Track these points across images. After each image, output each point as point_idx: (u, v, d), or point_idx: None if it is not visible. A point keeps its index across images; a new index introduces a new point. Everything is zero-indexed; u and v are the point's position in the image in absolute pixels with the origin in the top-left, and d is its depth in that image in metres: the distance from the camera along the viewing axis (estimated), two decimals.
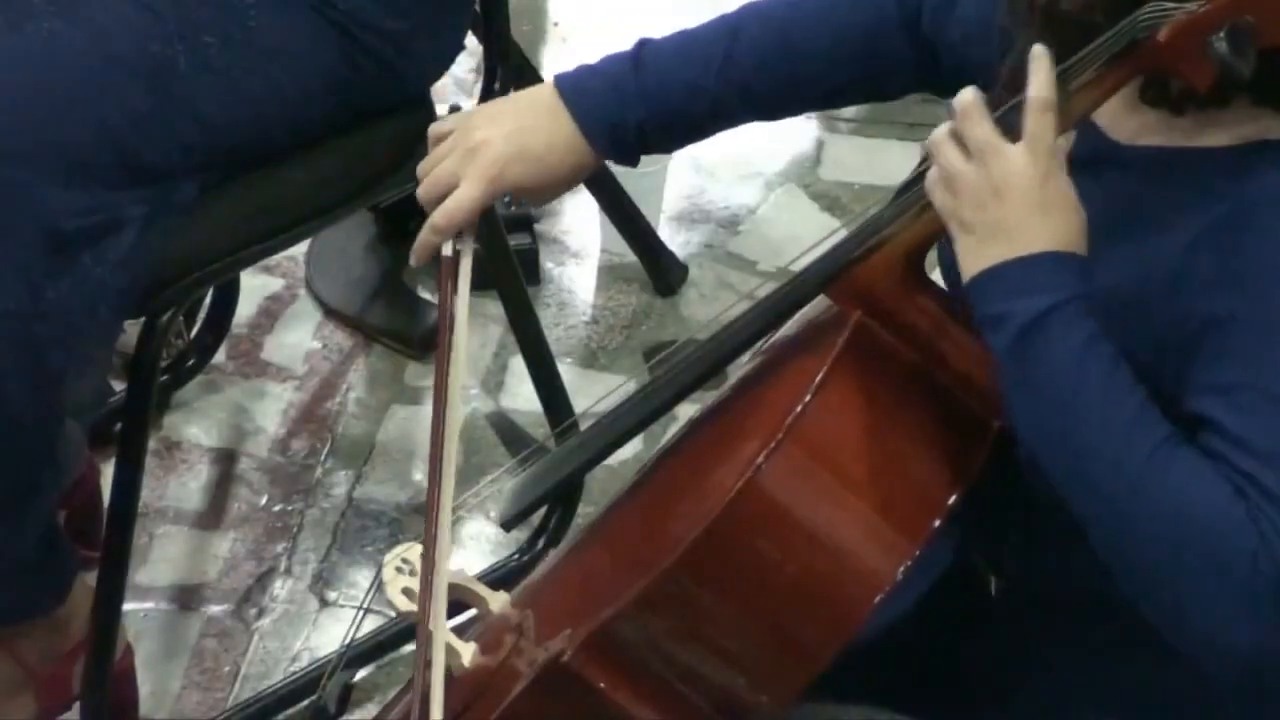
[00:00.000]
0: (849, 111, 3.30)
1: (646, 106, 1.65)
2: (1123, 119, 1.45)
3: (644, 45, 1.68)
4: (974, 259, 1.39)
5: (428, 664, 1.45)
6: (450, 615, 1.59)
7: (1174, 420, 1.37)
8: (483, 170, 1.63)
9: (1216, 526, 1.33)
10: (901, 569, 1.41)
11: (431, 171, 1.66)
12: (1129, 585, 1.37)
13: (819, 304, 1.55)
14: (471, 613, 1.65)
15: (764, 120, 1.72)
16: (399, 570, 1.59)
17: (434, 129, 1.70)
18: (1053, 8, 1.40)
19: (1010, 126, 1.38)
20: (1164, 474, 1.34)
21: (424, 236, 1.65)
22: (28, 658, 2.10)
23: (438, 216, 1.63)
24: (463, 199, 1.63)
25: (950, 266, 1.52)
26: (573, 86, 1.66)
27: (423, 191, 1.66)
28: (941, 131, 1.41)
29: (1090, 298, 1.37)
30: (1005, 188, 1.37)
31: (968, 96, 1.39)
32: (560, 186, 1.68)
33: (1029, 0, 1.42)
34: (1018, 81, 1.42)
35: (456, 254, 1.64)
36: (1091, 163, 1.46)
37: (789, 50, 1.65)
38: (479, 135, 1.64)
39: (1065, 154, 1.39)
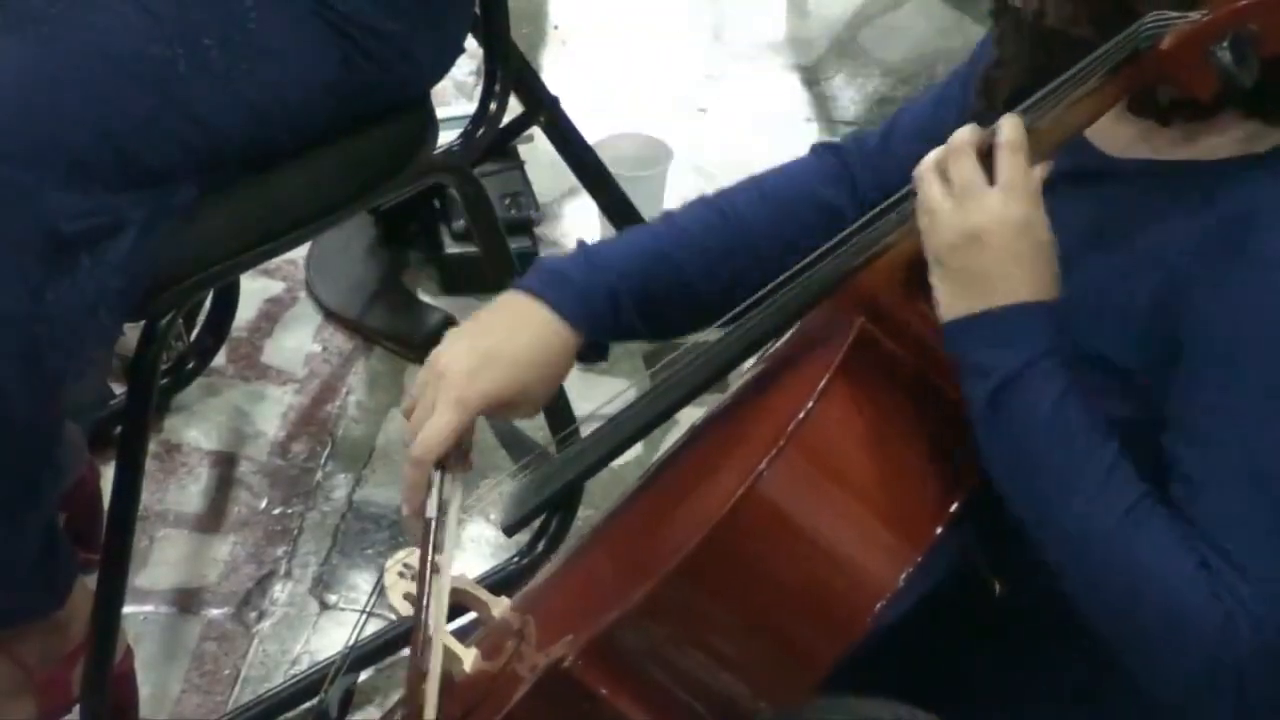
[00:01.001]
0: (849, 114, 3.31)
1: (615, 272, 1.59)
2: (1111, 132, 1.46)
3: (583, 244, 1.65)
4: (952, 302, 1.40)
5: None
6: (451, 619, 1.59)
7: (1155, 438, 1.38)
8: (449, 394, 1.55)
9: (1178, 607, 1.35)
10: (904, 576, 1.42)
11: (412, 411, 1.59)
12: (1099, 628, 1.40)
13: (822, 310, 1.55)
14: (472, 616, 1.65)
15: (730, 301, 1.58)
16: (401, 575, 1.59)
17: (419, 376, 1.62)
18: (1039, 23, 1.41)
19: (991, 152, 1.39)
20: (1130, 544, 1.36)
21: (405, 474, 1.57)
22: (27, 660, 2.10)
23: (415, 449, 1.55)
24: (436, 427, 1.54)
25: None
26: (535, 278, 1.60)
27: (408, 434, 1.58)
28: (929, 161, 1.41)
29: (1064, 350, 1.38)
30: (984, 234, 1.37)
31: (962, 134, 1.39)
32: (538, 388, 1.59)
33: (1015, 17, 1.42)
34: (990, 90, 1.43)
35: (440, 493, 1.55)
36: (1080, 175, 1.46)
37: (727, 216, 1.63)
38: (444, 358, 1.57)
39: (1042, 181, 1.39)
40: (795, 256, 1.53)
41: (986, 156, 1.39)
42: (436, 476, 1.56)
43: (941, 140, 1.42)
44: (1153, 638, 1.36)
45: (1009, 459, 1.40)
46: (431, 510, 1.54)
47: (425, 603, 1.49)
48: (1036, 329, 1.38)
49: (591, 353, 1.61)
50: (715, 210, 1.65)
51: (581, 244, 1.64)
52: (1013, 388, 1.38)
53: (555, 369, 1.59)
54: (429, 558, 1.52)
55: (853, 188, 1.64)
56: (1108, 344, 1.42)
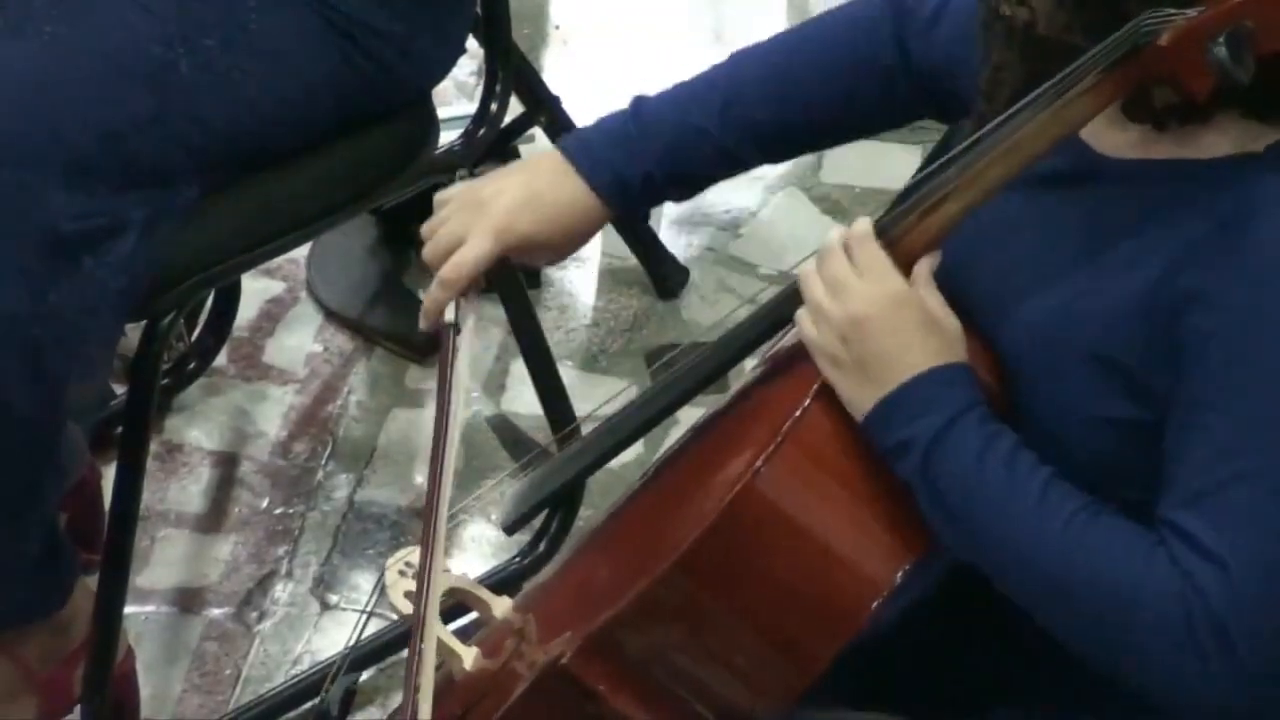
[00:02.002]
0: None
1: (653, 157, 1.64)
2: (1107, 133, 1.46)
3: (641, 101, 1.67)
4: (860, 395, 1.43)
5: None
6: (452, 619, 1.60)
7: (1159, 439, 1.38)
8: (492, 221, 1.61)
9: (1141, 585, 1.35)
10: (900, 574, 1.42)
11: (437, 231, 1.64)
12: (1090, 661, 1.40)
13: None
14: (472, 615, 1.65)
15: (773, 162, 1.72)
16: (402, 574, 1.59)
17: (440, 195, 1.68)
18: (1030, 32, 1.41)
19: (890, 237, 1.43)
20: (1079, 545, 1.37)
21: (432, 293, 1.63)
22: (29, 660, 2.09)
23: (446, 270, 1.61)
24: (472, 251, 1.61)
25: (949, 269, 1.52)
26: (576, 146, 1.65)
27: (429, 251, 1.64)
28: (809, 268, 1.45)
29: (980, 404, 1.41)
30: (864, 318, 1.41)
31: (830, 237, 1.44)
32: (569, 243, 1.66)
33: (1007, 25, 1.43)
34: (992, 92, 1.44)
35: (457, 319, 1.61)
36: (1075, 176, 1.47)
37: (788, 89, 1.65)
38: (487, 191, 1.63)
39: (930, 269, 1.44)
40: (839, 120, 1.64)
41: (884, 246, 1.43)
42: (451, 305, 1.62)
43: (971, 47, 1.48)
44: (1131, 627, 1.35)
45: (952, 520, 1.41)
46: (450, 316, 1.61)
47: (443, 450, 1.52)
48: (946, 391, 1.41)
49: (630, 211, 1.69)
50: (773, 75, 1.66)
51: (636, 103, 1.67)
52: (936, 451, 1.40)
53: (584, 233, 1.66)
54: (449, 363, 1.58)
55: (905, 56, 1.64)
56: (1108, 344, 1.42)
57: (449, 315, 1.61)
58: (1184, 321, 1.37)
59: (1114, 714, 1.53)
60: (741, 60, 1.68)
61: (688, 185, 1.69)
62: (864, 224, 1.43)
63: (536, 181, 1.64)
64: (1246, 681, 1.34)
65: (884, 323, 1.41)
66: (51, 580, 2.05)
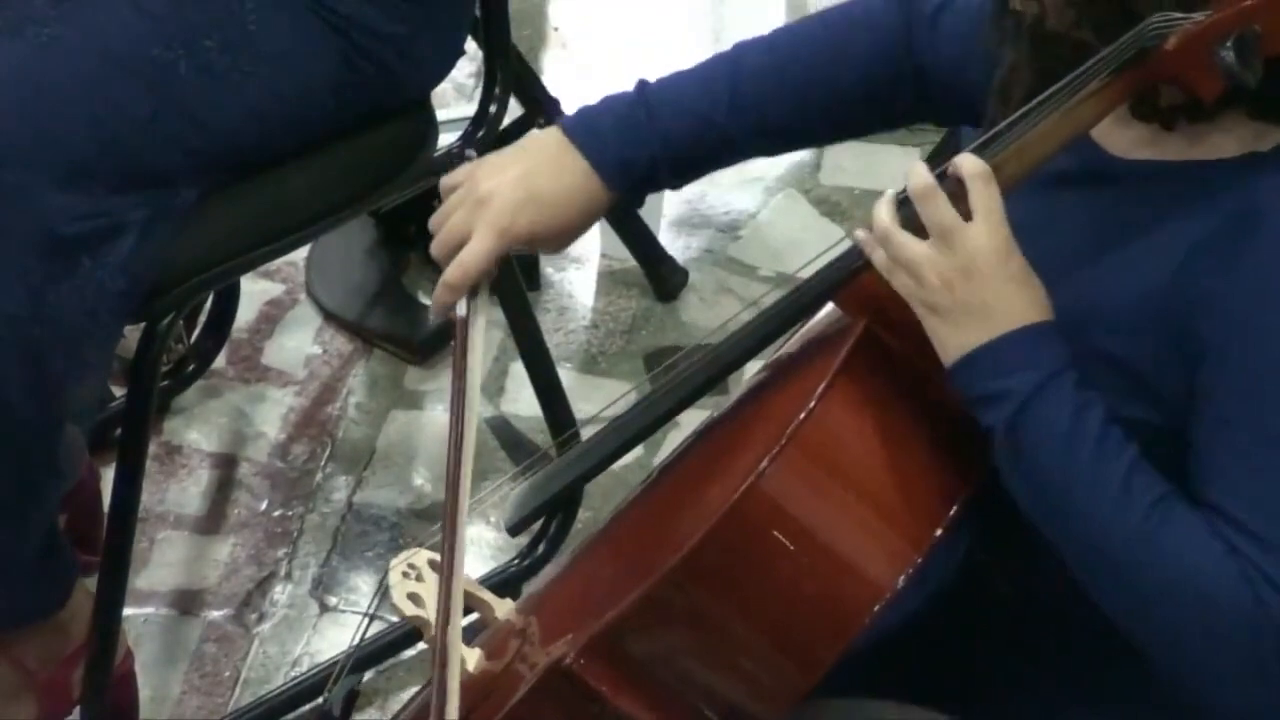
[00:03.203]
0: None
1: (659, 141, 1.63)
2: (1116, 134, 1.46)
3: (646, 85, 1.66)
4: (955, 342, 1.41)
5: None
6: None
7: (1175, 439, 1.38)
8: (492, 220, 1.60)
9: (1211, 593, 1.35)
10: (903, 577, 1.42)
11: (443, 226, 1.63)
12: (1138, 645, 1.40)
13: (826, 312, 1.56)
14: (474, 617, 1.65)
15: (771, 154, 1.72)
16: (405, 575, 1.59)
17: (445, 181, 1.66)
18: (1039, 27, 1.41)
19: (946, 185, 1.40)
20: (1157, 541, 1.36)
21: (438, 293, 1.62)
22: (28, 662, 2.10)
23: (451, 272, 1.60)
24: (475, 252, 1.60)
25: None
26: (581, 127, 1.64)
27: (436, 247, 1.63)
28: (885, 219, 1.42)
29: (1073, 365, 1.39)
30: (973, 267, 1.39)
31: (921, 178, 1.40)
32: (572, 231, 1.65)
33: (1016, 20, 1.42)
34: (1006, 93, 1.44)
35: (469, 314, 1.61)
36: (1085, 177, 1.47)
37: (797, 82, 1.64)
38: (486, 185, 1.61)
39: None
40: (844, 116, 1.64)
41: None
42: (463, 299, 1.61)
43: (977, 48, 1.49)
44: (1190, 636, 1.36)
45: (1032, 481, 1.40)
46: (462, 310, 1.60)
47: (461, 427, 1.53)
48: (1044, 349, 1.39)
49: (631, 195, 1.68)
50: (781, 67, 1.65)
51: (641, 86, 1.66)
52: (1030, 410, 1.38)
53: (588, 221, 1.65)
54: (463, 357, 1.57)
55: (908, 50, 1.63)
56: (1117, 345, 1.42)
57: (461, 310, 1.61)
58: (1198, 324, 1.37)
59: (1118, 712, 1.54)
60: (748, 50, 1.67)
61: (689, 172, 1.68)
62: (978, 162, 1.38)
63: (537, 172, 1.62)
64: None
65: (997, 273, 1.39)
66: (50, 581, 2.05)
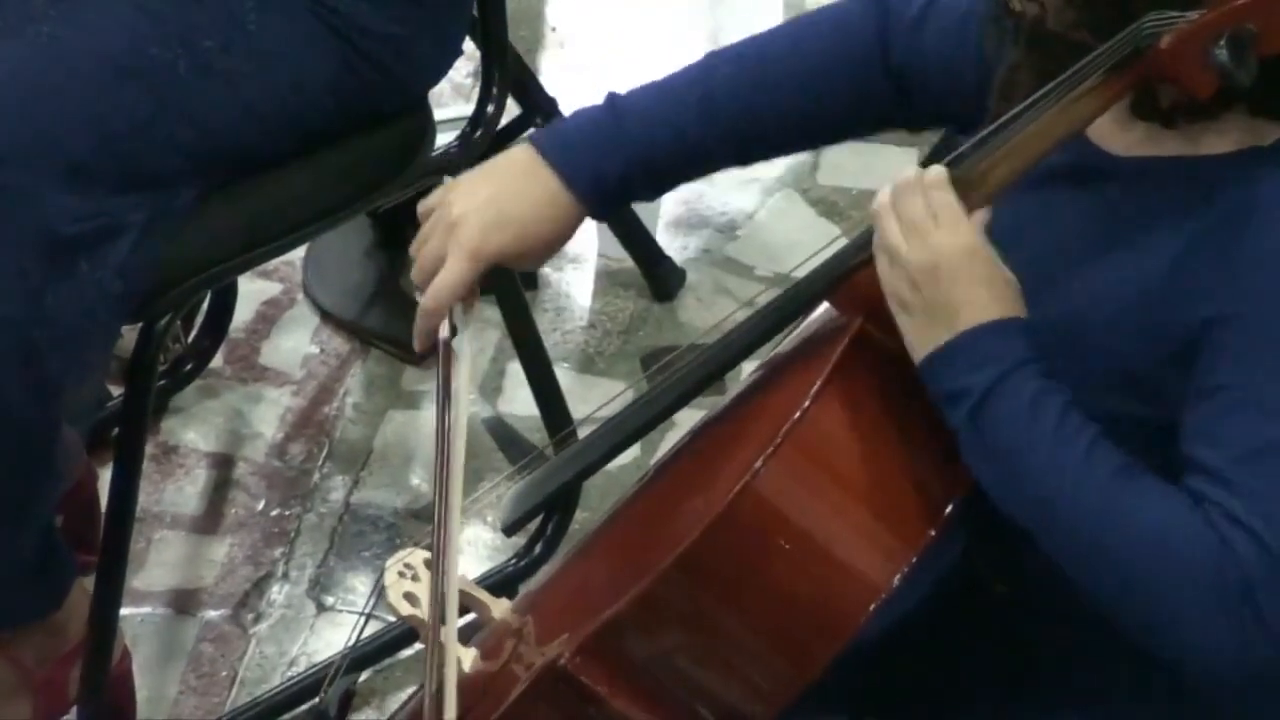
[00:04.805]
0: None
1: (630, 154, 1.63)
2: (1114, 133, 1.46)
3: (617, 98, 1.66)
4: (922, 340, 1.43)
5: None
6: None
7: (1173, 435, 1.39)
8: (464, 244, 1.60)
9: (1175, 541, 1.35)
10: (898, 577, 1.42)
11: (420, 252, 1.64)
12: (1114, 614, 1.40)
13: (821, 311, 1.56)
14: (471, 617, 1.65)
15: (745, 163, 1.70)
16: (401, 575, 1.60)
17: (421, 206, 1.67)
18: (1038, 27, 1.41)
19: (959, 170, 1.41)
20: (1119, 499, 1.37)
21: (419, 322, 1.63)
22: (25, 661, 2.09)
23: (427, 299, 1.61)
24: (448, 279, 1.60)
25: None
26: (551, 142, 1.64)
27: (416, 274, 1.64)
28: (884, 200, 1.43)
29: (1037, 360, 1.40)
30: (938, 264, 1.41)
31: (907, 173, 1.42)
32: (545, 250, 1.65)
33: (1014, 20, 1.43)
34: (1008, 91, 1.44)
35: (452, 334, 1.61)
36: (1082, 174, 1.47)
37: (765, 88, 1.64)
38: (456, 210, 1.61)
39: (985, 225, 1.43)
40: (817, 122, 1.64)
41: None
42: (445, 322, 1.62)
43: (966, 49, 1.51)
44: (1161, 581, 1.36)
45: (995, 469, 1.41)
46: (445, 332, 1.61)
47: (447, 465, 1.52)
48: (1005, 345, 1.41)
49: (603, 210, 1.67)
50: (753, 76, 1.65)
51: (611, 99, 1.66)
52: (989, 402, 1.40)
53: (561, 237, 1.65)
54: (448, 378, 1.57)
55: (885, 55, 1.63)
56: (1115, 341, 1.42)
57: (443, 333, 1.61)
58: (1197, 317, 1.38)
59: (1111, 714, 1.54)
60: (719, 60, 1.67)
61: (663, 184, 1.68)
62: (940, 170, 1.42)
63: (506, 191, 1.62)
64: (1272, 651, 1.34)
65: (956, 272, 1.41)
66: (47, 581, 2.05)
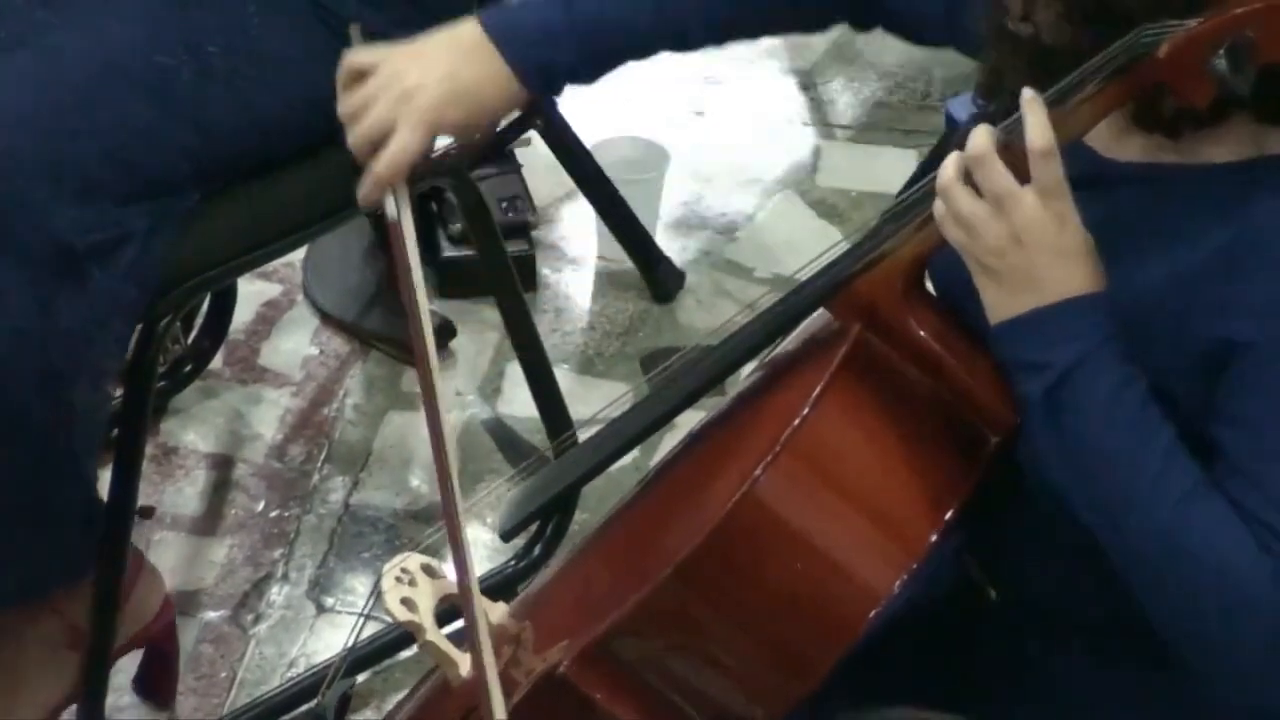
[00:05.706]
0: (845, 118, 3.31)
1: (579, 47, 1.68)
2: (1117, 141, 1.46)
3: None
4: (1003, 305, 1.41)
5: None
6: (446, 623, 1.60)
7: (1191, 436, 1.38)
8: (420, 116, 1.65)
9: (1241, 583, 1.35)
10: (898, 583, 1.42)
11: (363, 118, 1.67)
12: (1163, 627, 1.40)
13: (820, 317, 1.55)
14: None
15: (690, 51, 1.75)
16: (398, 580, 1.59)
17: (350, 62, 1.71)
18: (1036, 43, 1.41)
19: (1011, 147, 1.38)
20: (1190, 526, 1.36)
21: (368, 189, 1.67)
22: (77, 618, 2.09)
23: (381, 167, 1.65)
24: (405, 146, 1.65)
25: (941, 277, 1.53)
26: (501, 27, 1.68)
27: (354, 138, 1.68)
28: (950, 174, 1.41)
29: (1120, 338, 1.39)
30: (1025, 236, 1.38)
31: (981, 141, 1.39)
32: (490, 126, 1.75)
33: (1013, 37, 1.43)
34: (991, 94, 1.44)
35: (399, 208, 1.65)
36: (1086, 182, 1.46)
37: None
38: (410, 80, 1.66)
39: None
40: (772, 12, 1.73)
41: (1005, 155, 1.39)
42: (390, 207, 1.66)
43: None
44: (1220, 617, 1.36)
45: (1067, 454, 1.40)
46: (393, 212, 1.65)
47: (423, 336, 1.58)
48: (1090, 321, 1.39)
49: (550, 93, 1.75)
50: None
51: None
52: (1070, 381, 1.38)
53: (507, 112, 1.75)
54: (402, 251, 1.62)
55: None
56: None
57: (389, 210, 1.65)
58: (1213, 330, 1.38)
59: (1114, 713, 1.54)
60: None
61: (606, 70, 1.72)
62: (1046, 135, 1.37)
63: (462, 71, 1.67)
64: None
65: (1049, 244, 1.38)
66: (82, 549, 2.05)
